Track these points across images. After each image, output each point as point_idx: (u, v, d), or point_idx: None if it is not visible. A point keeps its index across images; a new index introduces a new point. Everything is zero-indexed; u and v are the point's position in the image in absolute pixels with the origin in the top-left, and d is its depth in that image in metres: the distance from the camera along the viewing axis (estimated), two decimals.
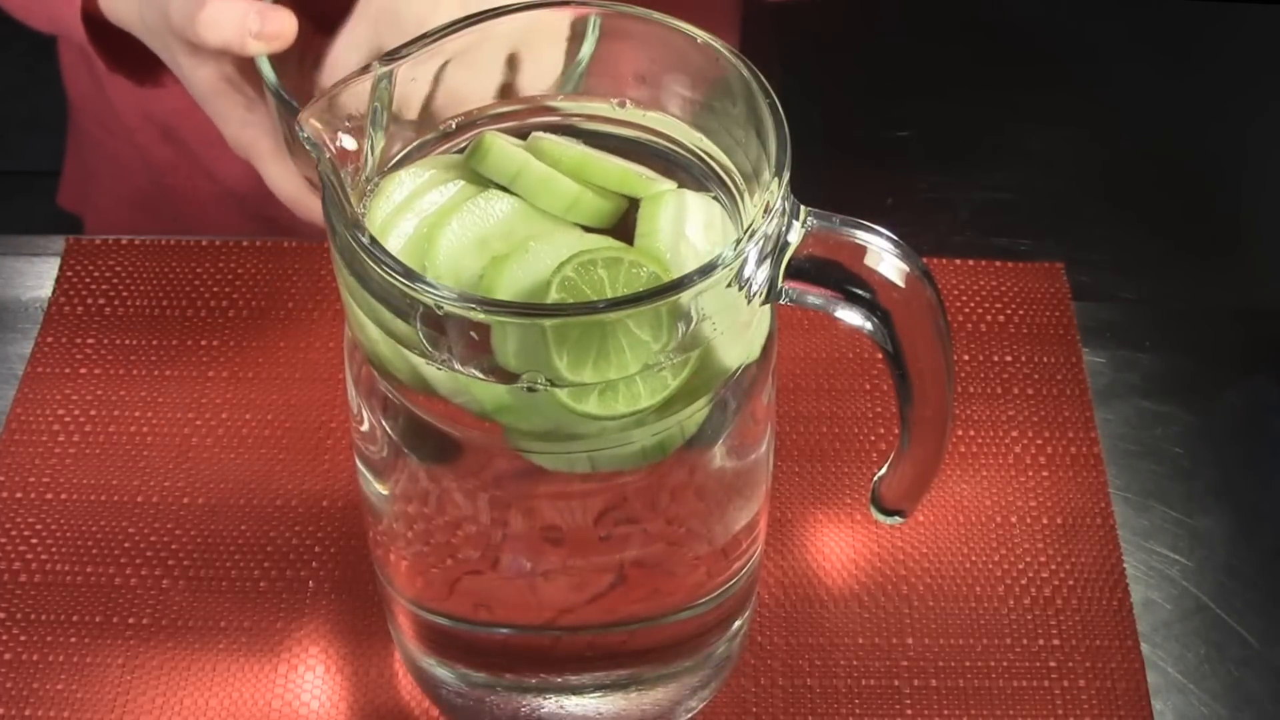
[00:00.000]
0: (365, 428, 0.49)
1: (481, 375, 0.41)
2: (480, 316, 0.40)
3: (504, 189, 0.45)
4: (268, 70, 0.56)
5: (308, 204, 0.61)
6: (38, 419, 0.68)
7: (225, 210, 0.87)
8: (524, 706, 0.56)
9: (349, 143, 0.43)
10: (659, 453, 0.45)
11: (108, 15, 0.64)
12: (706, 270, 0.40)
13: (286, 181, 0.60)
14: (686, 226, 0.44)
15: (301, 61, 0.59)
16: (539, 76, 0.49)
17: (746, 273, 0.42)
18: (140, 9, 0.61)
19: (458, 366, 0.41)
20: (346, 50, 0.58)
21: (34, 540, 0.64)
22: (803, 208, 0.43)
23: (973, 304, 0.73)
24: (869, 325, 0.45)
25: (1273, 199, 1.35)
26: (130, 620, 0.61)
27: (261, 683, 0.60)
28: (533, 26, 0.47)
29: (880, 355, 0.48)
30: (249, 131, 0.60)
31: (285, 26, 0.56)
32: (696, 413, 0.45)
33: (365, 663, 0.60)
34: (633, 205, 0.45)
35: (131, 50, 0.66)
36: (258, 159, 0.61)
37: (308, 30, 0.58)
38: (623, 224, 0.45)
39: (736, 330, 0.44)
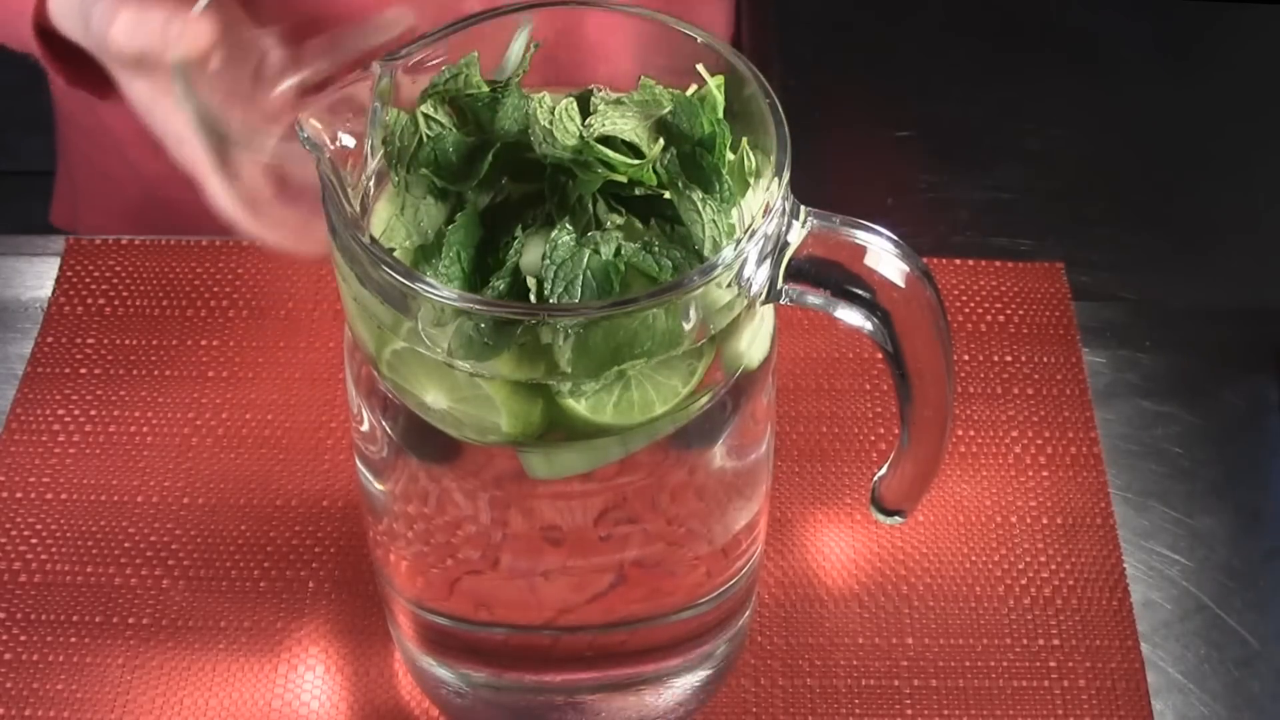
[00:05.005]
0: (365, 428, 0.49)
1: (490, 374, 0.41)
2: (482, 317, 0.40)
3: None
4: (181, 85, 0.53)
5: (246, 225, 0.58)
6: (38, 419, 0.68)
7: (220, 221, 0.86)
8: (523, 706, 0.56)
9: (349, 142, 0.43)
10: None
11: (59, 28, 0.63)
12: (706, 270, 0.40)
13: (223, 199, 0.58)
14: None
15: (256, 78, 0.56)
16: None
17: (746, 273, 0.42)
18: (81, 22, 0.60)
19: (464, 366, 0.41)
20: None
21: (34, 540, 0.64)
22: (803, 208, 0.43)
23: (973, 304, 0.73)
24: (869, 325, 0.45)
25: (1273, 199, 1.35)
26: (130, 620, 0.61)
27: (261, 683, 0.60)
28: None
29: (880, 355, 0.48)
30: (186, 148, 0.58)
31: (201, 34, 0.52)
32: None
33: (365, 663, 0.60)
34: None
35: (91, 64, 0.64)
36: (196, 175, 0.59)
37: (256, 44, 0.56)
38: None
39: (740, 329, 0.44)
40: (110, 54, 0.56)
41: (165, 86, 0.57)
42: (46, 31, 0.64)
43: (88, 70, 0.64)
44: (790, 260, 0.43)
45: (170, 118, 0.57)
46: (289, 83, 0.56)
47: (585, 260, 0.40)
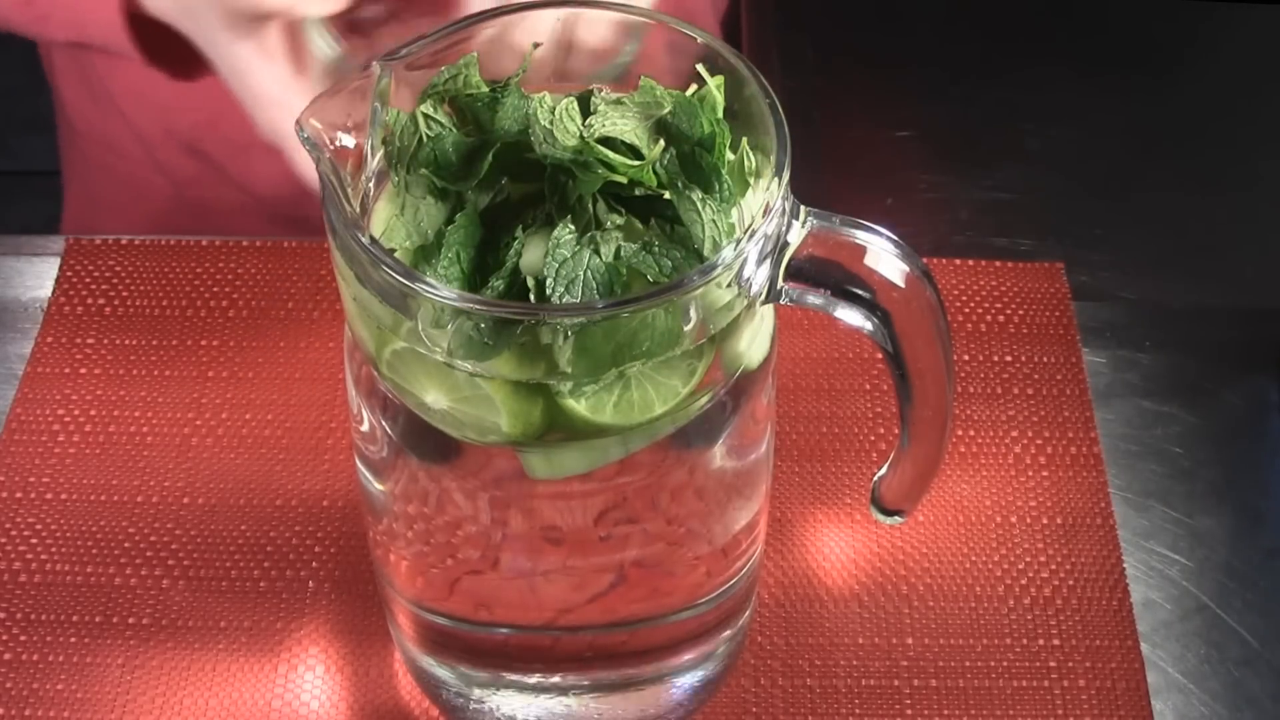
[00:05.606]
0: (365, 428, 0.49)
1: (490, 374, 0.41)
2: (482, 317, 0.40)
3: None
4: (322, 44, 0.54)
5: None
6: (38, 419, 0.68)
7: (253, 218, 0.87)
8: (524, 707, 0.56)
9: (348, 142, 0.43)
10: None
11: (144, 6, 0.65)
12: (706, 270, 0.40)
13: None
14: None
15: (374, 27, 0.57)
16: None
17: (746, 273, 0.42)
18: None
19: (464, 366, 0.41)
20: None
21: (34, 540, 0.64)
22: (803, 208, 0.43)
23: (973, 304, 0.73)
24: (869, 325, 0.45)
25: (1273, 199, 1.35)
26: (130, 620, 0.61)
27: (261, 683, 0.60)
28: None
29: (880, 355, 0.48)
30: (276, 112, 0.59)
31: None
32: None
33: (365, 663, 0.60)
34: None
35: (166, 46, 0.66)
36: (285, 138, 0.59)
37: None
38: None
39: (740, 329, 0.44)
40: (228, 15, 0.57)
41: (270, 48, 0.58)
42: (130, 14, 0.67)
43: (164, 52, 0.66)
44: (790, 260, 0.43)
45: (265, 81, 0.58)
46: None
47: (586, 260, 0.40)
